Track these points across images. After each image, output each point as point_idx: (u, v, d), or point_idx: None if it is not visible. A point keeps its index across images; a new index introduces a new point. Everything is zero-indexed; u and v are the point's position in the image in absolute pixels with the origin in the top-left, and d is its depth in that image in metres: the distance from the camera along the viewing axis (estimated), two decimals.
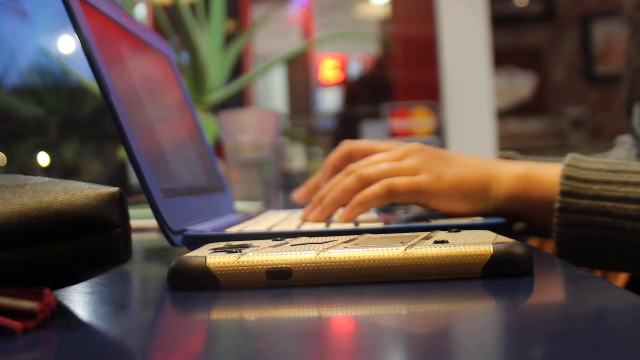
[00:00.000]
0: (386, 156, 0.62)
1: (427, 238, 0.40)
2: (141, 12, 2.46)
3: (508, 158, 0.69)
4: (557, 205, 0.55)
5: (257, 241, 0.42)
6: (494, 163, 0.61)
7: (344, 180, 0.60)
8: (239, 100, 3.25)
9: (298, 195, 0.69)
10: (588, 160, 0.57)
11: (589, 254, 0.56)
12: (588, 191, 0.54)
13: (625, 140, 0.82)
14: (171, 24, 1.64)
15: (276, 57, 2.05)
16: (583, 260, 0.56)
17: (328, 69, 5.09)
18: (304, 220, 0.61)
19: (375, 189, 0.58)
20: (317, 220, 0.60)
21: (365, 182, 0.60)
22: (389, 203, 0.60)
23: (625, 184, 0.54)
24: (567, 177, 0.56)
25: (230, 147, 1.00)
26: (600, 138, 4.17)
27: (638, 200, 0.53)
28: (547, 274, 0.39)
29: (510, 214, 0.60)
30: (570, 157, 0.58)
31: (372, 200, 0.59)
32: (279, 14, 4.15)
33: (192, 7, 1.70)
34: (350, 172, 0.61)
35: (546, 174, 0.59)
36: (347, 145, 0.65)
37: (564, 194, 0.55)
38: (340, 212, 0.60)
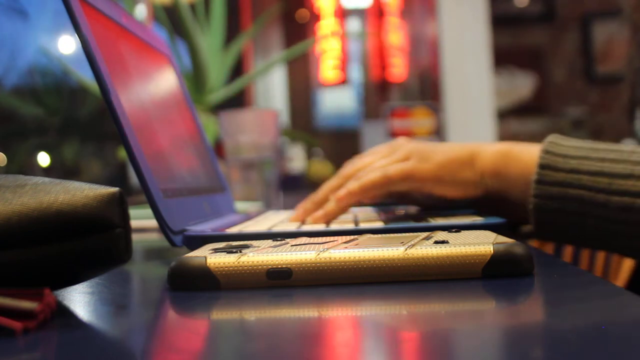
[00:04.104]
0: (377, 156, 0.65)
1: (427, 238, 0.40)
2: (141, 12, 2.46)
3: None
4: (534, 177, 0.56)
5: (257, 241, 0.42)
6: (478, 143, 0.63)
7: (347, 185, 0.62)
8: (239, 100, 3.25)
9: (296, 217, 0.67)
10: (569, 139, 0.59)
11: (563, 227, 0.56)
12: (565, 165, 0.56)
13: (629, 143, 0.82)
14: (171, 24, 1.64)
15: (277, 57, 2.05)
16: (558, 234, 0.57)
17: (328, 69, 5.09)
18: (295, 220, 0.62)
19: (371, 175, 0.61)
20: (318, 222, 0.60)
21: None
22: (385, 191, 0.61)
23: (602, 159, 0.55)
24: (546, 152, 0.57)
25: (230, 147, 1.00)
26: (600, 138, 4.16)
27: (611, 174, 0.54)
28: (547, 274, 0.39)
29: (494, 191, 0.61)
30: (552, 135, 0.59)
31: (370, 187, 0.60)
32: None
33: (192, 7, 1.70)
34: (348, 177, 0.63)
35: (527, 150, 0.60)
36: (345, 172, 0.66)
37: (542, 166, 0.56)
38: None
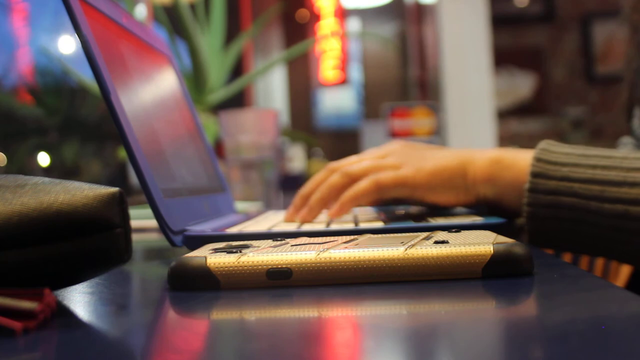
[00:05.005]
0: (367, 155, 0.64)
1: (427, 238, 0.40)
2: (141, 12, 2.46)
3: None
4: (526, 186, 0.56)
5: (257, 241, 0.42)
6: (470, 150, 0.63)
7: (330, 178, 0.62)
8: (239, 100, 3.25)
9: (288, 217, 0.64)
10: (561, 145, 0.58)
11: (558, 235, 0.56)
12: (556, 172, 0.56)
13: (627, 141, 0.82)
14: (171, 24, 1.64)
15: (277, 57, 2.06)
16: (552, 241, 0.57)
17: (328, 69, 5.09)
18: (289, 220, 0.62)
19: (363, 184, 0.60)
20: (305, 221, 0.61)
21: (351, 178, 0.61)
22: (377, 198, 0.61)
23: (593, 166, 0.55)
24: (538, 159, 0.57)
25: (230, 147, 1.00)
26: (600, 138, 4.17)
27: (602, 181, 0.54)
28: (547, 274, 0.39)
29: (488, 199, 0.61)
30: (544, 142, 0.59)
31: (361, 195, 0.60)
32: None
33: (192, 7, 1.70)
34: (333, 170, 0.63)
35: (519, 157, 0.60)
36: (333, 165, 0.66)
37: (534, 174, 0.56)
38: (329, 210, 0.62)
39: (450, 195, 0.61)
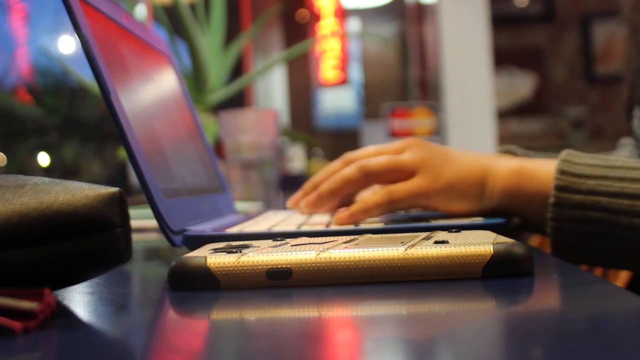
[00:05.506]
0: (384, 148, 0.62)
1: (427, 238, 0.40)
2: (141, 12, 2.46)
3: (508, 152, 0.69)
4: (551, 200, 0.55)
5: (257, 241, 0.42)
6: (490, 159, 0.61)
7: (344, 170, 0.60)
8: (239, 100, 3.25)
9: (294, 201, 0.65)
10: (583, 156, 0.57)
11: (584, 249, 0.55)
12: (582, 186, 0.54)
13: (627, 142, 0.82)
14: (171, 24, 1.64)
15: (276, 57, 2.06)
16: (578, 255, 0.56)
17: (328, 69, 5.09)
18: (293, 206, 0.61)
19: (376, 197, 0.58)
20: (310, 206, 0.60)
21: (366, 173, 0.59)
22: (390, 210, 0.60)
23: (620, 179, 0.53)
24: (562, 172, 0.55)
25: (230, 147, 1.00)
26: (600, 138, 4.17)
27: (632, 195, 0.52)
28: (547, 274, 0.39)
29: (506, 209, 0.60)
30: (565, 152, 0.57)
31: (374, 208, 0.58)
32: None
33: (192, 7, 1.70)
34: (349, 162, 0.61)
35: (540, 168, 0.58)
36: (350, 155, 0.64)
37: (559, 188, 0.55)
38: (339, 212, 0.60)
39: (466, 204, 0.59)
